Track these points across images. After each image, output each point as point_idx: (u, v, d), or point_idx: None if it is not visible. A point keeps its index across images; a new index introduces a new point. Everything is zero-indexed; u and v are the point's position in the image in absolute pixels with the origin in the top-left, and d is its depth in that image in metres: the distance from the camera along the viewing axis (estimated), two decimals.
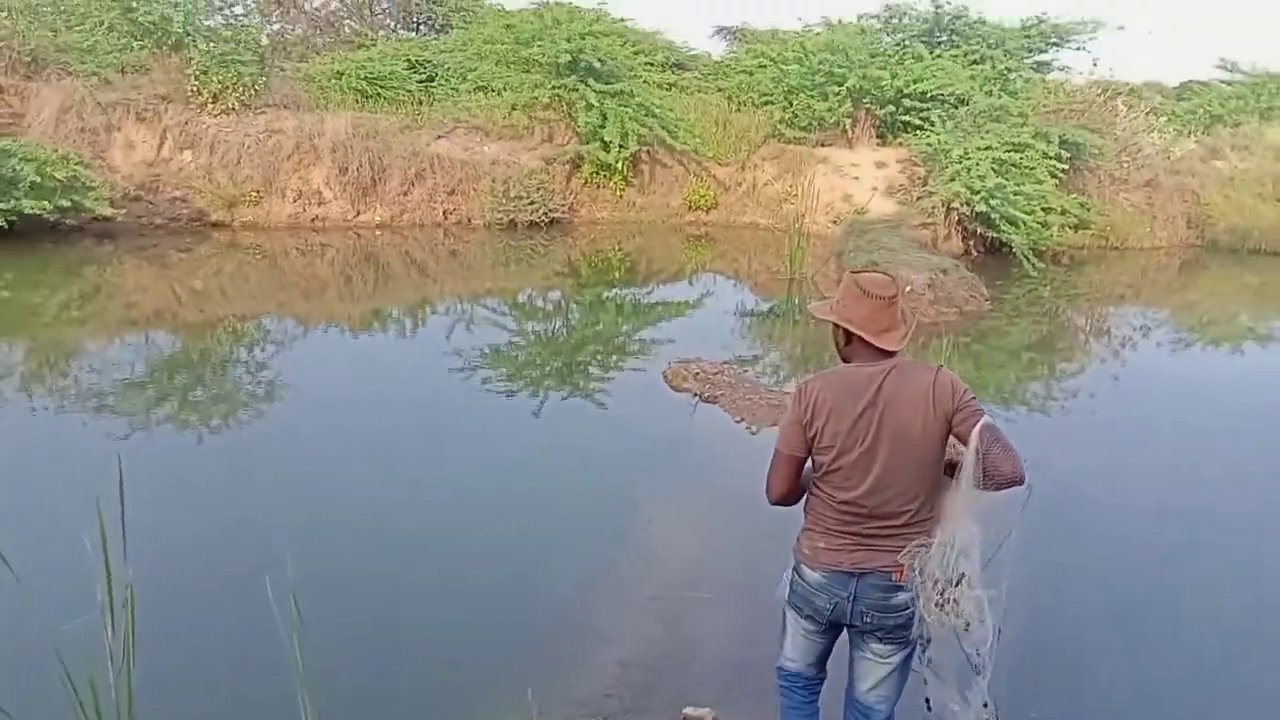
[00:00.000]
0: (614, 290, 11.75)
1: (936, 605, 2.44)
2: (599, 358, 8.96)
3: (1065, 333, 11.21)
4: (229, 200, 13.00)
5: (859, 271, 2.75)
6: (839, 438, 2.55)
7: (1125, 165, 15.80)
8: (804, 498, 2.73)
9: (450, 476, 5.73)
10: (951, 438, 2.57)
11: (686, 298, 11.65)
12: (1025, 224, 12.84)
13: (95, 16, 15.15)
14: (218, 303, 10.15)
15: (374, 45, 19.66)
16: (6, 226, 10.40)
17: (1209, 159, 17.45)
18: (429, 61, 18.49)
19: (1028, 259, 12.62)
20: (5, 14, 14.33)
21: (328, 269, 11.98)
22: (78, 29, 15.08)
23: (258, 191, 13.17)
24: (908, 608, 2.53)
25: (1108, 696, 3.93)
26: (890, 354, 2.60)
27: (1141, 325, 11.45)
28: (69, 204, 11.04)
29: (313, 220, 13.43)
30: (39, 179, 10.66)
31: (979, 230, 13.30)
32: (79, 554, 2.00)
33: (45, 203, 10.67)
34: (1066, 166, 14.06)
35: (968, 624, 2.45)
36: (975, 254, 13.51)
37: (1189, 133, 19.27)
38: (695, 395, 7.23)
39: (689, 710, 3.48)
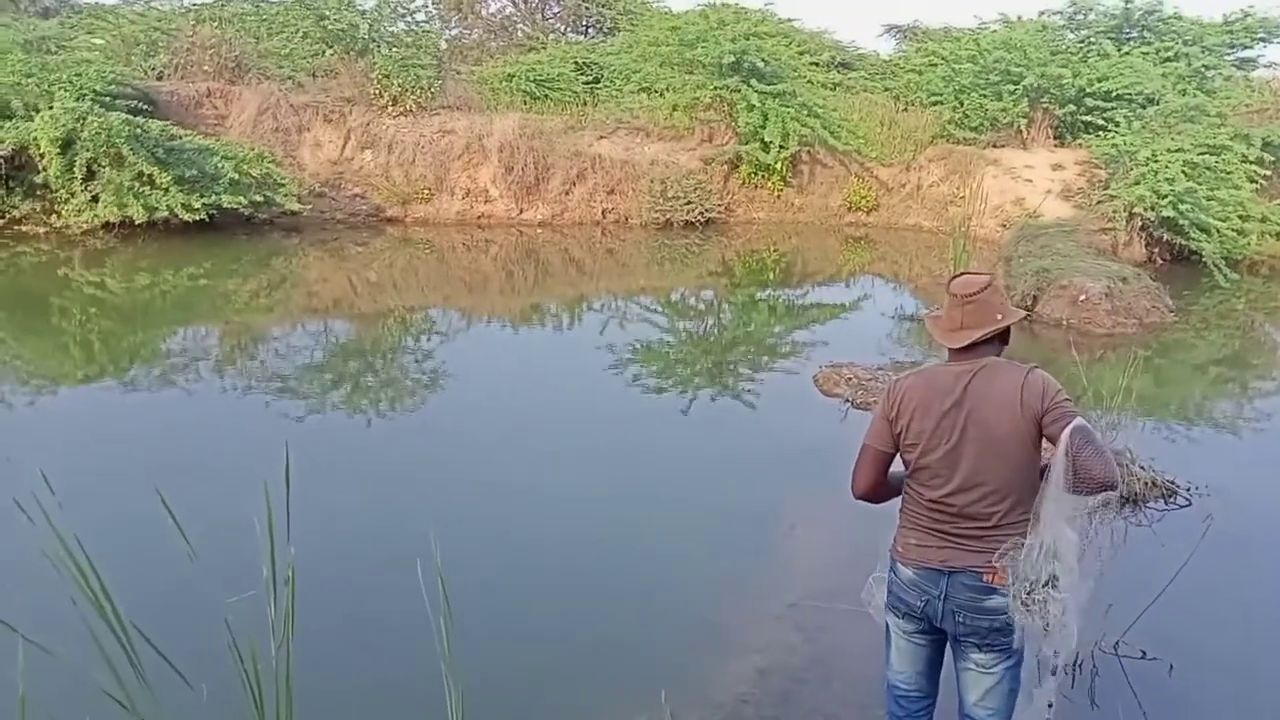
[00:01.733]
0: (767, 291, 11.66)
1: (1023, 604, 2.40)
2: (749, 358, 8.90)
3: (1261, 348, 10.29)
4: (403, 197, 13.71)
5: (958, 275, 2.72)
6: (924, 436, 2.56)
7: None
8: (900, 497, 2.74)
9: (596, 474, 5.82)
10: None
11: (842, 300, 11.42)
12: (1218, 231, 11.86)
13: (293, 25, 16.32)
14: (389, 294, 10.72)
15: (544, 48, 20.29)
16: (207, 219, 11.34)
17: None
18: (595, 63, 18.90)
19: (1219, 269, 11.64)
20: (216, 23, 15.65)
21: (491, 264, 12.45)
22: (277, 36, 16.29)
23: (429, 189, 13.83)
24: (1002, 612, 2.46)
25: None
26: (989, 352, 2.60)
27: None
28: (262, 199, 11.93)
29: (479, 217, 13.99)
30: (237, 176, 11.57)
31: (1165, 237, 12.36)
32: (249, 533, 2.16)
33: (241, 198, 11.57)
34: (1270, 171, 12.89)
35: (1047, 625, 2.40)
36: (1160, 262, 12.58)
37: None
38: (846, 400, 7.07)
39: None
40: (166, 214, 11.03)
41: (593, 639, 4.03)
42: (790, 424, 6.89)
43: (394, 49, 14.70)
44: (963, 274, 2.73)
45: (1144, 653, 3.87)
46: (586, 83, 18.08)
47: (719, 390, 7.84)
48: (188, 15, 16.23)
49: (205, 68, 14.31)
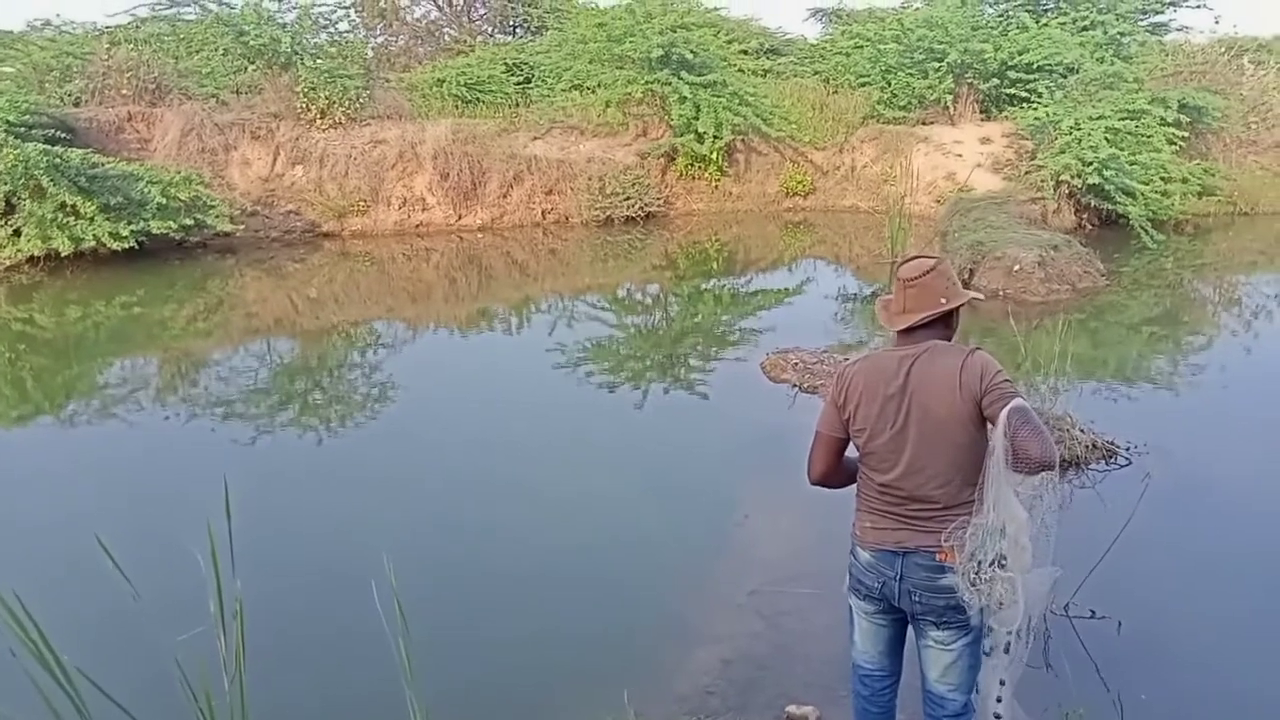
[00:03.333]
0: (712, 281, 11.72)
1: (971, 584, 2.44)
2: (698, 349, 8.95)
3: (1191, 305, 10.61)
4: (338, 211, 13.52)
5: (908, 259, 2.74)
6: (870, 420, 2.61)
7: (1253, 126, 14.85)
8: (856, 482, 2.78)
9: (552, 474, 5.82)
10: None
11: (786, 285, 11.52)
12: (1143, 194, 12.21)
13: (212, 43, 15.97)
14: (331, 309, 10.58)
15: (473, 51, 20.11)
16: (137, 246, 11.07)
17: None
18: (525, 64, 18.80)
19: (1146, 231, 11.99)
20: (132, 45, 15.25)
21: (433, 273, 12.34)
22: (197, 54, 15.93)
23: (365, 201, 13.66)
24: (956, 590, 2.50)
25: (1228, 689, 3.72)
26: (933, 335, 2.62)
27: (1276, 293, 10.74)
28: (193, 222, 11.67)
29: (417, 226, 13.85)
30: (165, 200, 11.30)
31: (1092, 203, 12.69)
32: (194, 567, 2.12)
33: (171, 222, 11.30)
34: (1187, 132, 13.30)
35: (998, 603, 2.45)
36: (1089, 228, 12.91)
37: None
38: (794, 386, 7.15)
39: (792, 709, 3.45)
40: (94, 244, 10.74)
41: (554, 640, 4.03)
42: (741, 412, 6.95)
43: (318, 61, 14.47)
44: (912, 258, 2.74)
45: (1093, 612, 3.98)
46: (518, 84, 17.99)
47: (671, 383, 7.87)
48: (101, 38, 15.78)
49: (124, 91, 13.95)
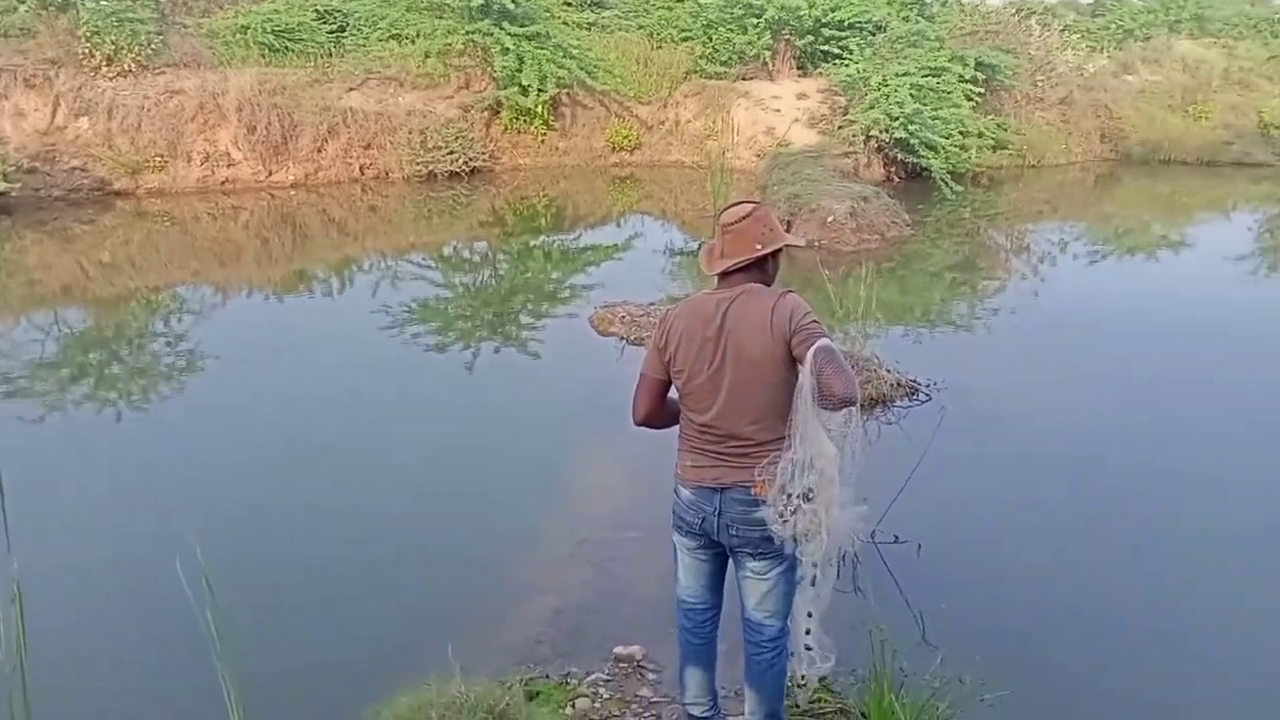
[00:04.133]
0: (541, 237, 11.64)
1: (780, 516, 2.54)
2: (529, 306, 8.90)
3: (986, 252, 11.44)
4: (132, 167, 12.48)
5: (729, 205, 2.80)
6: (689, 362, 2.68)
7: (1040, 84, 16.01)
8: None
9: (378, 436, 5.68)
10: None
11: (614, 240, 11.59)
12: (943, 148, 13.00)
13: None
14: (128, 274, 9.82)
15: None
16: None
17: (1121, 74, 17.75)
18: (338, 11, 17.79)
19: (946, 183, 12.78)
20: None
21: (242, 232, 11.64)
22: None
23: (162, 156, 12.66)
24: (769, 522, 2.61)
25: (1015, 596, 4.11)
26: (749, 279, 2.68)
27: (1059, 240, 11.72)
28: None
29: (223, 183, 12.98)
30: None
31: (899, 156, 13.41)
32: None
33: None
34: (983, 89, 14.21)
35: (808, 535, 2.56)
36: (897, 180, 13.64)
37: (1101, 48, 19.54)
38: (622, 339, 7.24)
39: (619, 649, 3.55)
40: None
41: (380, 604, 3.96)
42: (571, 367, 6.99)
43: (102, 2, 13.19)
44: (733, 203, 2.79)
45: (896, 537, 4.28)
46: (330, 32, 17.00)
47: (501, 341, 7.80)
48: None
49: None
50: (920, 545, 4.29)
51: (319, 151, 13.46)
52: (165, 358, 7.28)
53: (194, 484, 5.02)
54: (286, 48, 15.82)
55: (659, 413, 2.85)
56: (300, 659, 3.57)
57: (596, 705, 3.26)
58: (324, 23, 17.07)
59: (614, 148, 15.38)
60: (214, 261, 10.40)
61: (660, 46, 16.85)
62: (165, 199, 12.46)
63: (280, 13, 16.38)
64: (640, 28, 18.21)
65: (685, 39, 16.82)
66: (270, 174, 13.22)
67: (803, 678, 3.01)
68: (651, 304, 7.91)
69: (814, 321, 2.58)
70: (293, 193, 13.07)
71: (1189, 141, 16.22)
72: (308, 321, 8.48)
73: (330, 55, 15.82)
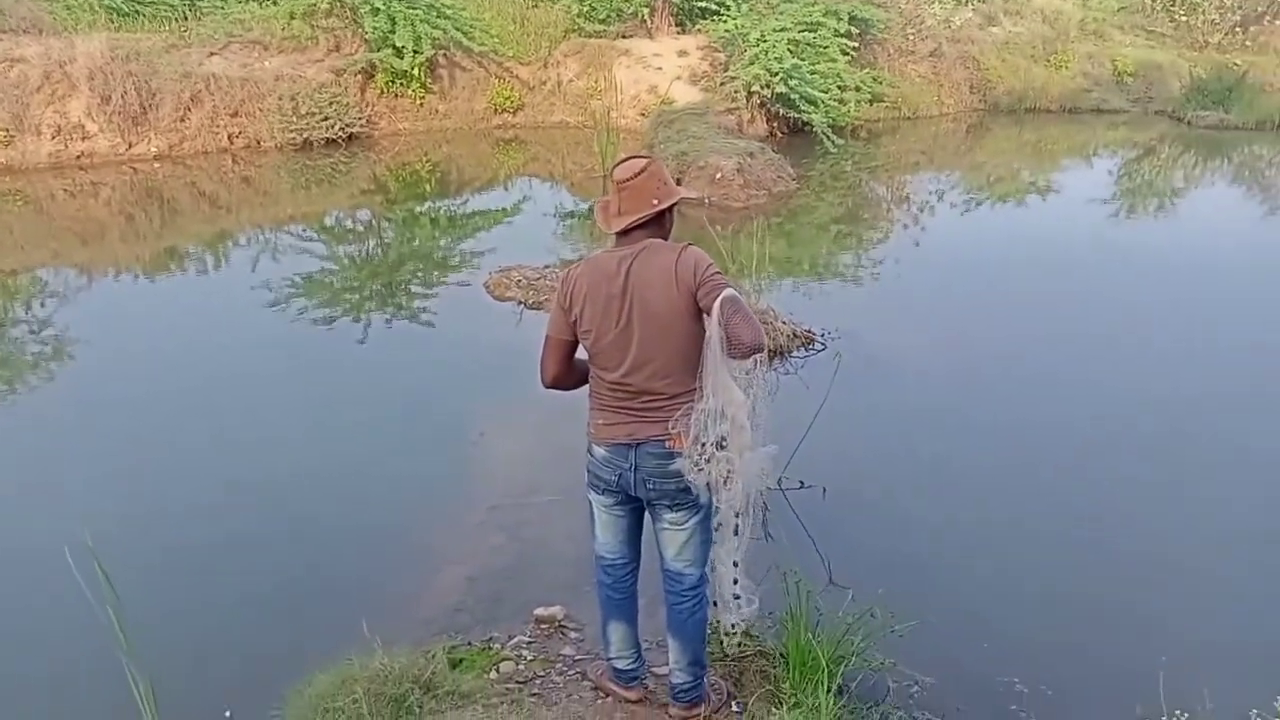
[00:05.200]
0: (427, 204, 11.34)
1: (696, 466, 2.59)
2: (419, 275, 8.69)
3: (869, 203, 11.74)
4: None
5: (621, 160, 2.78)
6: (595, 321, 2.68)
7: (911, 38, 16.43)
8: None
9: (270, 417, 5.48)
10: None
11: (503, 204, 11.40)
12: (823, 102, 13.22)
13: None
14: None
15: None
16: None
17: (986, 26, 18.37)
18: None
19: (828, 136, 13.03)
20: None
21: (104, 210, 10.94)
22: None
23: (7, 131, 11.75)
24: (685, 473, 2.66)
25: (913, 532, 4.30)
26: (648, 235, 2.68)
27: (937, 189, 12.13)
28: None
29: (78, 157, 12.14)
30: None
31: (781, 111, 13.58)
32: None
33: None
34: (857, 43, 14.49)
35: (724, 482, 2.62)
36: (780, 135, 13.82)
37: (966, 1, 20.17)
38: (520, 303, 7.16)
39: (539, 610, 3.55)
40: None
41: (291, 587, 3.86)
42: (469, 334, 6.88)
43: None
44: (625, 159, 2.76)
45: (801, 483, 4.41)
46: None
47: (393, 311, 7.60)
48: None
49: None
50: (825, 489, 4.43)
51: (182, 121, 12.72)
52: (29, 345, 6.83)
53: (76, 478, 4.75)
54: (137, 11, 14.89)
55: (568, 374, 2.84)
56: (212, 648, 3.46)
57: (521, 667, 3.27)
58: None
59: (496, 109, 15.06)
60: (75, 241, 9.76)
61: (537, 5, 16.52)
62: (15, 176, 11.58)
63: None
64: None
65: None
66: (130, 146, 12.43)
67: (732, 626, 3.08)
68: (547, 267, 7.85)
69: (717, 273, 2.60)
70: (157, 165, 12.34)
71: (1051, 90, 16.96)
72: (184, 300, 8.06)
73: (185, 19, 14.94)
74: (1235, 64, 17.37)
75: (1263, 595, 3.92)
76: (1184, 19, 19.54)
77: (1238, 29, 19.31)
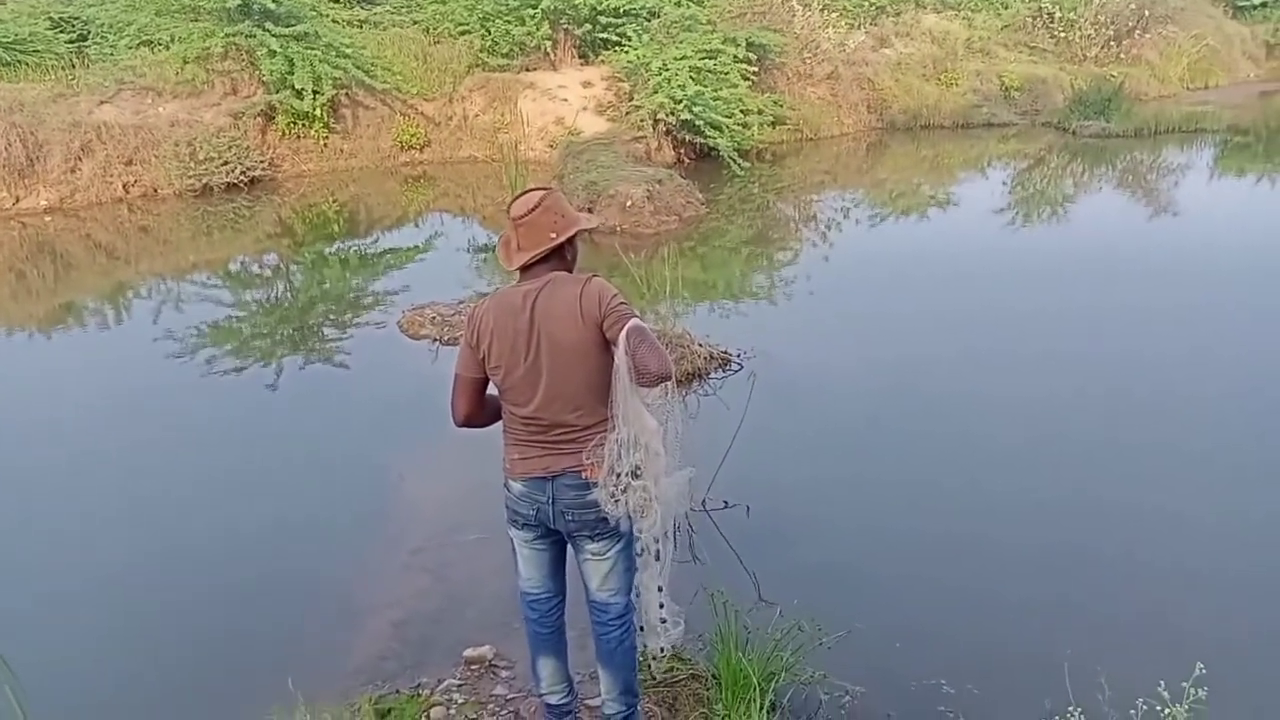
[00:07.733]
0: (336, 244, 11.15)
1: (612, 496, 2.60)
2: (331, 317, 8.52)
3: (777, 224, 11.98)
4: None
5: (517, 195, 2.78)
6: (504, 357, 2.67)
7: (808, 61, 16.89)
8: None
9: (180, 471, 5.29)
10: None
11: (414, 242, 11.28)
12: (727, 127, 13.47)
13: None
14: None
15: (4, 4, 17.04)
16: None
17: (879, 47, 19.01)
18: (76, 18, 16.32)
19: (733, 160, 13.28)
20: None
21: None
22: None
23: None
24: (601, 504, 2.66)
25: (837, 544, 4.38)
26: (551, 268, 2.69)
27: (842, 207, 12.45)
28: None
29: None
30: None
31: (687, 138, 13.79)
32: None
33: None
34: (757, 68, 14.84)
35: (641, 511, 2.63)
36: (687, 161, 14.02)
37: (859, 24, 20.85)
38: (435, 340, 7.09)
39: (469, 651, 3.50)
40: None
41: (208, 645, 3.71)
42: (384, 374, 6.77)
43: None
44: (521, 193, 2.76)
45: (725, 502, 4.46)
46: (70, 42, 15.58)
47: (305, 356, 7.44)
48: None
49: None
50: (749, 507, 4.48)
51: (73, 172, 12.28)
52: None
53: None
54: (19, 60, 14.38)
55: (479, 412, 2.82)
56: (127, 712, 3.30)
57: (452, 712, 3.21)
58: (61, 32, 15.67)
59: (402, 147, 14.94)
60: None
61: (438, 42, 16.48)
62: None
63: (6, 23, 14.86)
64: (415, 23, 17.74)
65: (463, 33, 16.54)
66: (18, 200, 11.94)
67: (661, 650, 3.09)
68: (461, 302, 7.79)
69: (622, 303, 2.62)
70: (48, 219, 11.87)
71: (944, 107, 17.61)
72: (84, 357, 7.74)
73: (73, 67, 14.48)
74: (1112, 76, 18.35)
75: (1162, 581, 4.09)
76: (1063, 35, 20.55)
77: (1111, 43, 20.40)
